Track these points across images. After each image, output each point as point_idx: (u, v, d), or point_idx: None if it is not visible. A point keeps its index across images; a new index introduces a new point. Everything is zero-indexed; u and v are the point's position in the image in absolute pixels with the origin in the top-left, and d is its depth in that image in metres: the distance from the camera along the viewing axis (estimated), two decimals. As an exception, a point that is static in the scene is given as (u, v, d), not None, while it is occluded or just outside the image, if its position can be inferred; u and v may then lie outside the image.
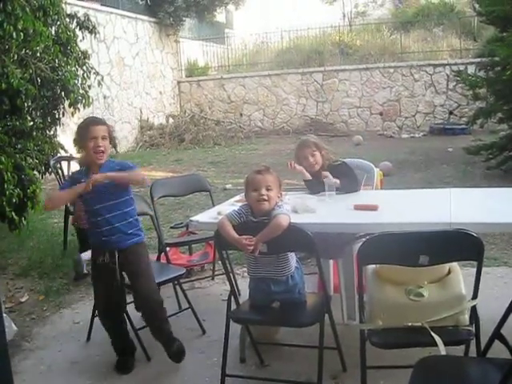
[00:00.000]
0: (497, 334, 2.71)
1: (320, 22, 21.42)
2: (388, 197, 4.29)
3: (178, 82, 19.94)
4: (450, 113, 17.40)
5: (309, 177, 4.39)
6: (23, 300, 5.19)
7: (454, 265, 3.09)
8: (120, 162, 3.78)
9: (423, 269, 2.82)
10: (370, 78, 18.12)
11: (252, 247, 3.06)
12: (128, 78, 16.75)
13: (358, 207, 3.68)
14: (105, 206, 3.59)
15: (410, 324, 2.82)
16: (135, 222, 3.74)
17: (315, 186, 4.30)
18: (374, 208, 3.63)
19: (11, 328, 4.32)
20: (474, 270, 2.75)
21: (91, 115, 13.97)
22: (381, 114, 18.02)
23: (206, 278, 5.46)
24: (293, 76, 18.84)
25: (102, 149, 3.54)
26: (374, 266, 3.11)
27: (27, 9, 5.43)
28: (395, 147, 13.98)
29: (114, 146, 3.72)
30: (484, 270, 2.77)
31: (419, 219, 3.34)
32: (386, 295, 2.97)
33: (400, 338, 2.85)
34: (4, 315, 3.36)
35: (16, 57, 5.71)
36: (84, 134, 3.54)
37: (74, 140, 3.64)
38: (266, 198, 3.16)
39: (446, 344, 2.69)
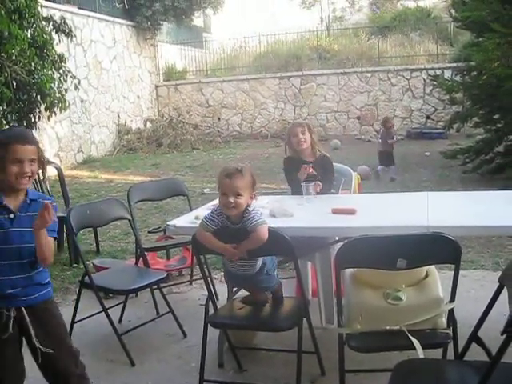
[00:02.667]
0: (474, 337, 2.73)
1: (298, 27, 21.52)
2: (366, 201, 4.31)
3: (156, 86, 19.88)
4: (427, 117, 17.55)
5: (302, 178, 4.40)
6: None
7: (432, 268, 3.10)
8: (44, 196, 3.03)
9: (401, 272, 2.82)
10: (348, 83, 18.21)
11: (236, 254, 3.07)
12: (105, 82, 16.65)
13: (336, 211, 3.68)
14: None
15: (388, 327, 2.83)
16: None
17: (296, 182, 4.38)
18: (351, 212, 3.64)
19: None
20: (451, 273, 2.77)
21: (68, 119, 13.93)
22: (358, 118, 18.12)
23: (184, 282, 5.43)
24: (271, 80, 18.87)
25: (28, 174, 2.72)
26: (351, 269, 3.11)
27: (2, 11, 5.39)
28: (373, 151, 14.02)
29: (43, 170, 2.93)
30: (461, 272, 2.80)
31: (397, 223, 3.35)
32: (364, 299, 2.97)
33: (378, 341, 2.85)
34: None
35: (-9, 60, 5.66)
36: (4, 153, 2.68)
37: None
38: (233, 205, 3.06)
39: (424, 347, 2.70)
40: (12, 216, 2.70)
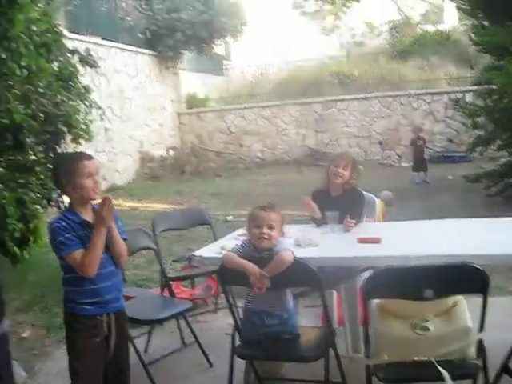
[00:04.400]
0: (505, 367, 2.70)
1: (318, 53, 21.65)
2: (391, 229, 4.29)
3: (178, 114, 20.06)
4: (449, 141, 17.49)
5: (318, 215, 4.35)
6: (25, 335, 5.15)
7: (460, 297, 3.08)
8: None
9: (428, 302, 2.81)
10: (369, 108, 18.24)
11: (262, 281, 3.07)
12: (128, 111, 16.84)
13: (361, 240, 3.68)
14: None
15: (416, 358, 2.80)
16: None
17: (321, 221, 4.31)
18: (377, 241, 3.64)
19: (20, 374, 4.25)
20: (479, 300, 2.74)
21: (92, 147, 14.09)
22: (380, 143, 18.11)
23: (209, 311, 5.44)
24: (292, 107, 18.97)
25: (100, 187, 3.07)
26: (378, 299, 3.10)
27: (31, 46, 5.50)
28: (395, 176, 14.02)
29: None
30: (489, 300, 2.76)
31: (422, 252, 3.33)
32: (391, 329, 2.95)
33: (406, 372, 2.82)
34: (14, 361, 3.31)
35: (19, 93, 5.76)
36: (77, 170, 2.96)
37: (59, 177, 3.04)
38: (266, 236, 3.15)
39: (453, 378, 2.67)
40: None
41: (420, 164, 13.34)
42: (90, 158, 3.06)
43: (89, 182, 2.96)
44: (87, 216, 3.01)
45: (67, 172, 2.98)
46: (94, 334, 2.98)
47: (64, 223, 2.91)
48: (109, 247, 3.02)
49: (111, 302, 3.05)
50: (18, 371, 4.21)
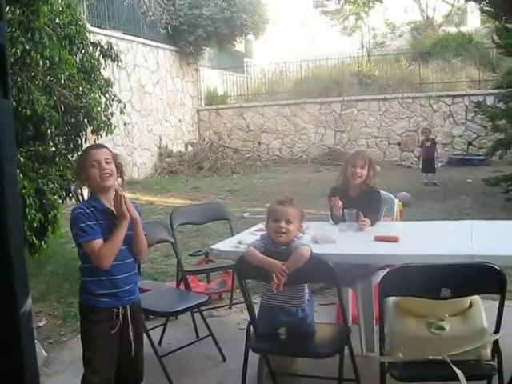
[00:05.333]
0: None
1: (339, 52, 21.60)
2: (408, 228, 4.28)
3: (198, 110, 20.11)
4: (469, 143, 17.38)
5: (339, 213, 4.33)
6: (41, 324, 5.19)
7: (476, 297, 3.07)
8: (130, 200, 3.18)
9: (444, 301, 2.80)
10: (389, 109, 18.17)
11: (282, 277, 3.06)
12: (148, 106, 16.92)
13: (378, 238, 3.67)
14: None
15: (431, 357, 2.79)
16: None
17: (339, 218, 4.29)
18: (394, 239, 3.63)
19: (41, 354, 4.31)
20: (495, 302, 2.74)
21: (111, 141, 14.17)
22: (399, 144, 18.03)
23: (224, 306, 5.45)
24: (311, 105, 18.94)
25: (108, 172, 2.98)
26: (394, 297, 3.09)
27: (54, 38, 5.53)
28: (413, 177, 13.95)
29: (121, 176, 3.18)
30: (506, 302, 2.75)
31: (440, 251, 3.33)
32: (406, 328, 2.95)
33: (421, 371, 2.82)
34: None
35: (41, 84, 5.80)
36: (84, 161, 3.02)
37: (75, 172, 3.18)
38: (284, 230, 3.15)
39: (467, 378, 2.66)
40: (116, 221, 2.97)
41: (428, 165, 13.37)
42: (97, 147, 3.10)
43: (95, 171, 2.95)
44: (109, 205, 3.01)
45: (78, 164, 3.11)
46: (109, 326, 2.99)
47: (88, 210, 2.93)
48: (129, 240, 3.03)
49: (127, 294, 3.05)
50: (40, 350, 4.27)
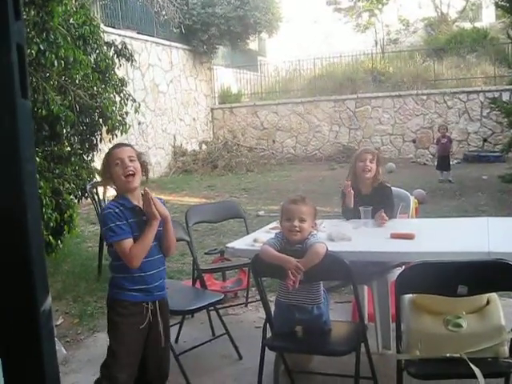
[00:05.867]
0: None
1: (352, 50, 21.53)
2: (424, 225, 4.27)
3: (212, 109, 20.13)
4: (484, 140, 17.26)
5: (350, 204, 4.35)
6: (58, 323, 5.22)
7: (493, 295, 3.05)
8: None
9: (461, 299, 2.78)
10: (403, 106, 18.09)
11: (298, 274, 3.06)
12: (162, 105, 16.96)
13: (394, 236, 3.66)
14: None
15: (448, 355, 2.78)
16: None
17: (351, 213, 4.30)
18: (410, 237, 3.61)
19: (61, 352, 4.34)
20: (509, 300, 2.72)
21: (125, 141, 14.22)
22: (414, 141, 17.94)
23: (240, 304, 5.46)
24: (325, 103, 18.90)
25: (131, 169, 2.98)
26: (411, 295, 3.08)
27: (68, 38, 5.58)
28: (429, 175, 13.88)
29: (146, 173, 3.18)
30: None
31: (457, 248, 3.31)
32: (423, 325, 2.94)
33: (438, 369, 2.81)
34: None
35: (56, 84, 5.85)
36: (108, 160, 3.03)
37: (100, 172, 3.18)
38: (297, 229, 3.15)
39: (485, 376, 2.65)
40: (144, 218, 2.99)
41: (443, 163, 13.30)
42: (121, 145, 3.12)
43: (119, 170, 2.97)
44: (138, 203, 3.04)
45: (103, 164, 3.08)
46: (137, 321, 3.02)
47: (117, 210, 2.95)
48: (159, 237, 3.05)
49: (157, 289, 3.08)
50: (59, 348, 4.30)
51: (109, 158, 3.04)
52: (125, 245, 2.91)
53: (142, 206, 3.00)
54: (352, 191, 4.32)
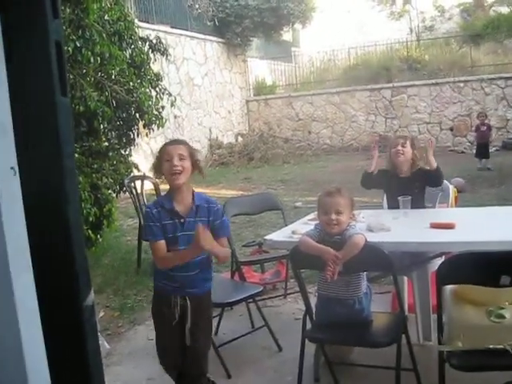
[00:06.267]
0: None
1: (387, 38, 21.30)
2: (465, 214, 4.21)
3: (247, 101, 20.14)
4: (524, 127, 16.97)
5: (373, 168, 4.50)
6: (99, 316, 5.28)
7: (536, 285, 2.99)
8: (208, 199, 3.23)
9: (504, 289, 2.74)
10: (440, 93, 17.85)
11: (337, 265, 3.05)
12: (197, 98, 17.02)
13: (434, 225, 3.61)
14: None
15: (491, 346, 2.74)
16: None
17: (370, 181, 4.52)
18: (451, 226, 3.56)
19: (104, 346, 4.39)
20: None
21: (162, 135, 14.34)
22: (451, 129, 17.68)
23: (278, 296, 5.45)
24: (361, 93, 18.75)
25: (178, 169, 2.99)
26: (452, 285, 3.04)
27: (103, 34, 5.63)
28: (467, 163, 13.68)
29: (200, 170, 3.20)
30: None
31: (498, 237, 3.24)
32: (465, 316, 2.90)
33: (481, 360, 2.76)
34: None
35: (93, 80, 5.91)
36: (160, 156, 3.06)
37: (153, 167, 3.17)
38: (335, 222, 3.13)
39: (529, 367, 2.61)
40: (182, 221, 3.02)
41: (482, 150, 13.16)
42: (174, 142, 3.16)
43: (167, 167, 3.00)
44: (181, 204, 3.05)
45: (156, 159, 3.11)
46: (168, 314, 3.06)
47: (155, 210, 3.01)
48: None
49: (189, 286, 3.07)
50: (102, 343, 4.35)
51: (161, 153, 3.07)
52: (154, 246, 2.97)
53: (179, 211, 3.03)
54: (377, 152, 4.50)
